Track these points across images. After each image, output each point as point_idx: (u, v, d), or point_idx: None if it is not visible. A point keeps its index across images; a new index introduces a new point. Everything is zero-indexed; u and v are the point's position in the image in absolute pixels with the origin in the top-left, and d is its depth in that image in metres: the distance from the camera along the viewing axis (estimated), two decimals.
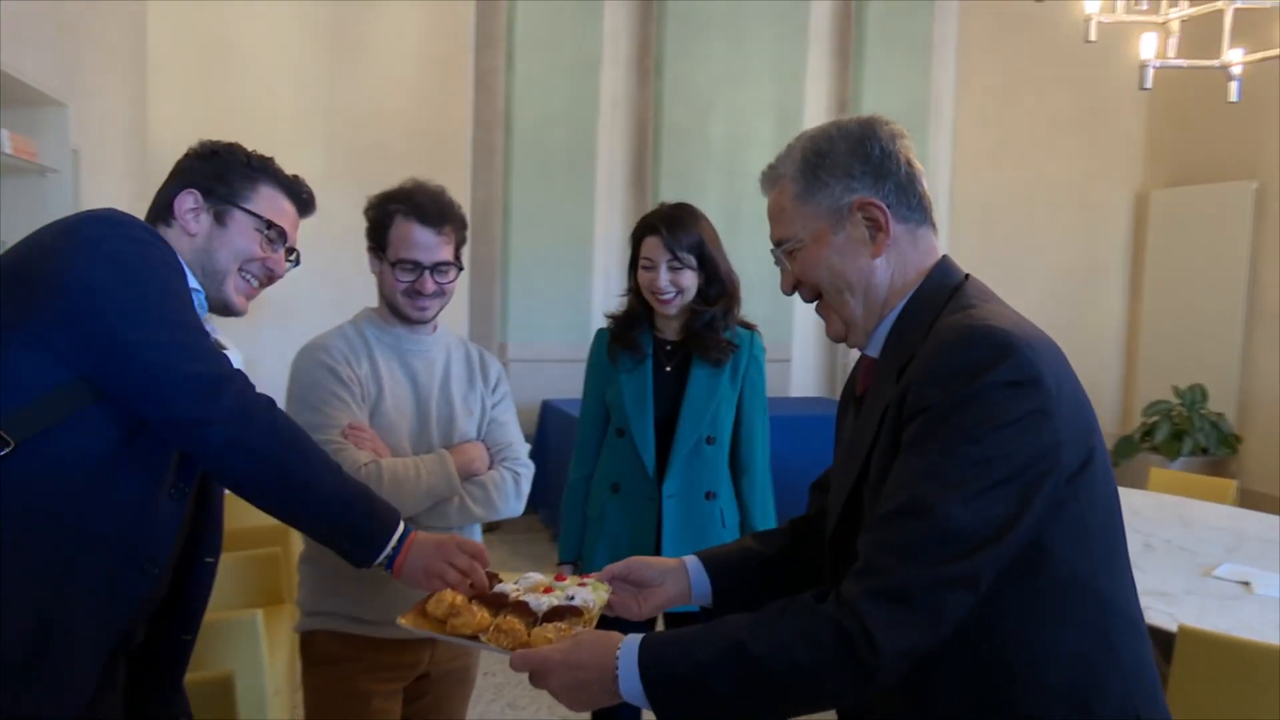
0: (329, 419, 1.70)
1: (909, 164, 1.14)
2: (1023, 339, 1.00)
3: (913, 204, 1.14)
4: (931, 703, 1.06)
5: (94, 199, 3.67)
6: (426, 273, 1.79)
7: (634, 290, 2.21)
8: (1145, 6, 2.94)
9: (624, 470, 2.15)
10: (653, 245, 2.11)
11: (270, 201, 1.44)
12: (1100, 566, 1.04)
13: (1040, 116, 6.58)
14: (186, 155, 1.45)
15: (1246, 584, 2.36)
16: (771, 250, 1.20)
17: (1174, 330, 6.46)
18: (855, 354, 1.25)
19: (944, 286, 1.13)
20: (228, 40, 5.22)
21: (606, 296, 6.02)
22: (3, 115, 2.75)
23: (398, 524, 1.33)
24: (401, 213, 1.79)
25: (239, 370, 1.26)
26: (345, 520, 1.29)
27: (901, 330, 1.13)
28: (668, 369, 2.18)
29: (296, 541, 3.10)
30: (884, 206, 1.12)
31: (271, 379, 6.18)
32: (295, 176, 1.50)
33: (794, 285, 1.19)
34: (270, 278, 1.44)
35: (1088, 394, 1.09)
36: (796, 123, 6.24)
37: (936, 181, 6.52)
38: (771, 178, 1.19)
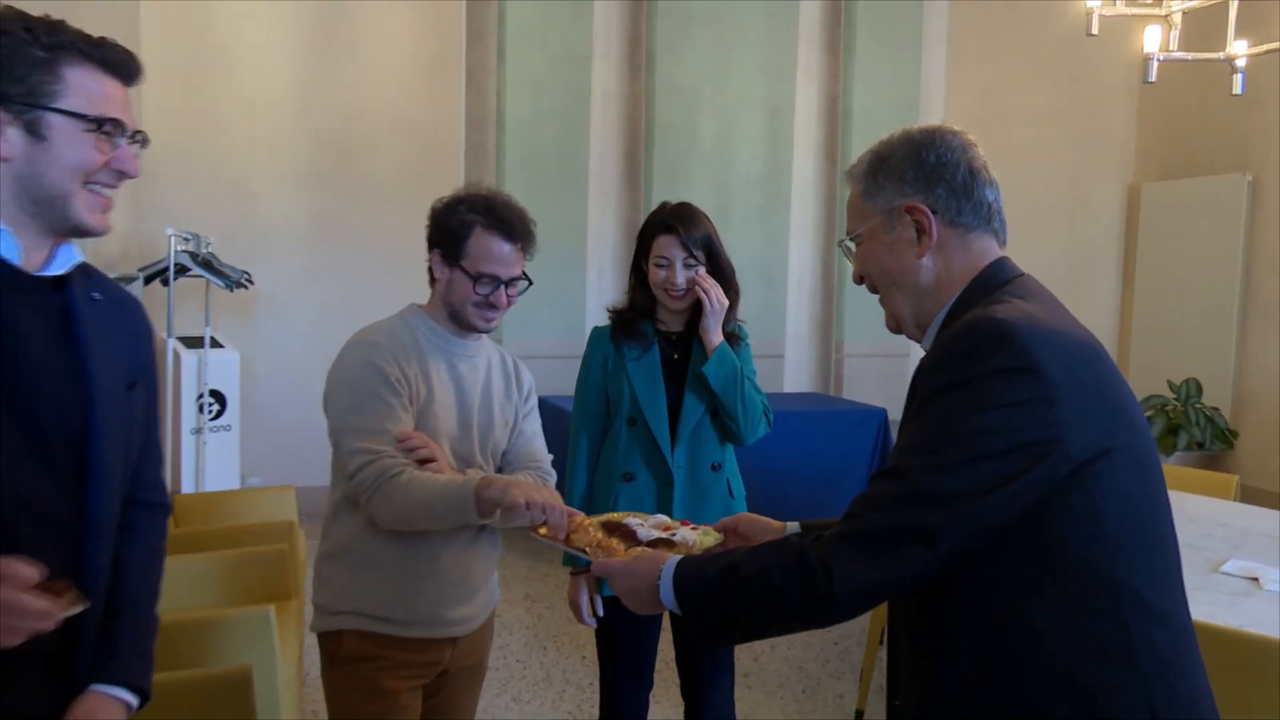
0: (370, 424, 1.68)
1: (970, 172, 1.20)
2: (1028, 330, 1.06)
3: (964, 209, 1.20)
4: (947, 674, 1.11)
5: None
6: (502, 287, 1.78)
7: (637, 286, 2.22)
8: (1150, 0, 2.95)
9: (638, 459, 2.16)
10: (668, 244, 2.13)
11: (86, 88, 1.14)
12: (1118, 557, 1.06)
13: (1030, 111, 6.60)
14: None
15: (1255, 579, 2.36)
16: (839, 242, 1.33)
17: (1167, 324, 6.50)
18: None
19: (988, 286, 1.18)
20: (217, 39, 5.18)
21: (600, 292, 6.02)
22: None
23: None
24: (482, 224, 1.76)
25: None
26: None
27: (945, 327, 1.19)
28: (675, 357, 2.21)
29: (303, 539, 3.09)
30: (928, 211, 1.19)
31: (269, 378, 6.12)
32: (100, 39, 1.18)
33: (859, 277, 1.29)
34: (124, 178, 1.20)
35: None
36: (787, 119, 6.26)
37: None
38: (849, 175, 1.29)
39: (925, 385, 1.10)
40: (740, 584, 1.14)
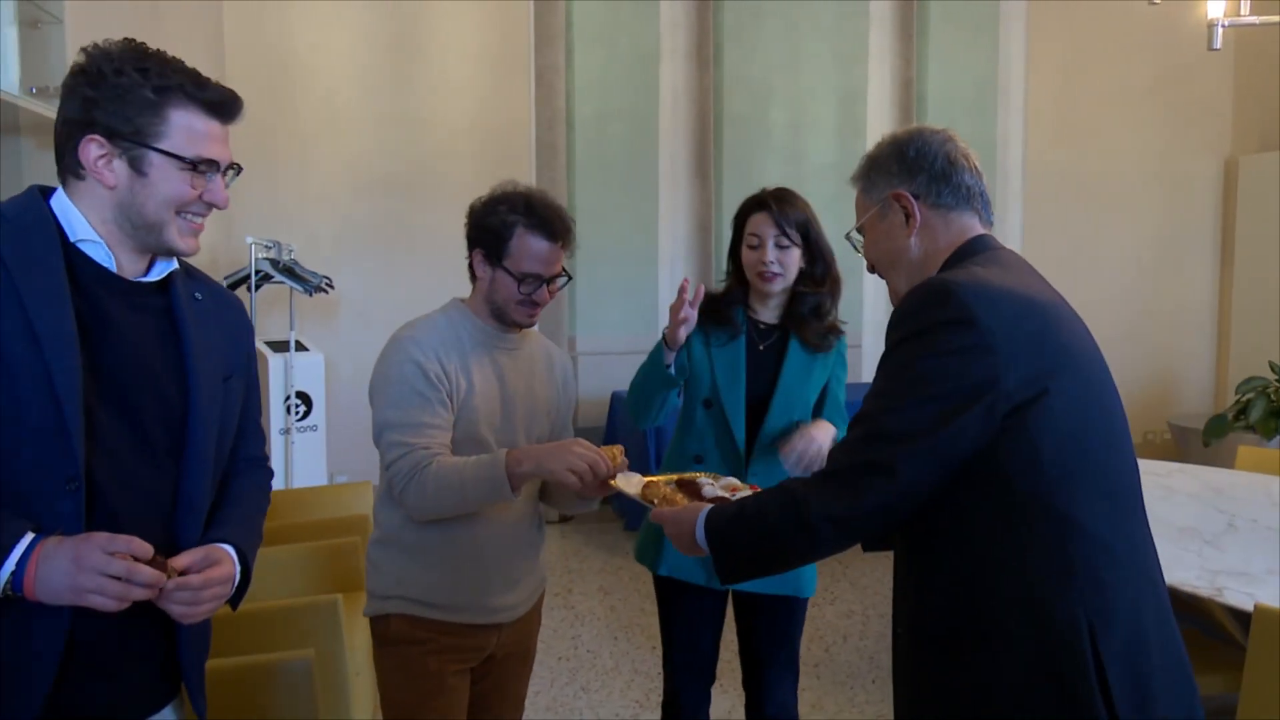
0: (407, 418, 1.75)
1: (949, 160, 1.37)
2: (967, 288, 1.21)
3: (943, 192, 1.37)
4: (931, 597, 1.27)
5: None
6: (544, 285, 1.83)
7: (733, 273, 2.20)
8: None
9: (709, 443, 2.13)
10: (760, 221, 2.11)
11: (187, 129, 1.25)
12: (1057, 489, 1.19)
13: (1117, 86, 6.34)
14: (72, 73, 1.23)
15: None
16: (846, 235, 1.52)
17: (1269, 303, 6.15)
18: None
19: (963, 257, 1.33)
20: (295, 50, 5.40)
21: (672, 288, 6.04)
22: None
23: (12, 545, 1.11)
24: (524, 224, 1.79)
25: None
26: None
27: None
28: (761, 348, 2.17)
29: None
30: (910, 196, 1.37)
31: (353, 379, 6.35)
32: (205, 81, 1.28)
33: (870, 266, 1.47)
34: (213, 208, 1.32)
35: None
36: (860, 105, 6.16)
37: (1008, 160, 6.35)
38: (852, 180, 1.49)
39: (887, 341, 1.28)
40: (747, 521, 1.33)
